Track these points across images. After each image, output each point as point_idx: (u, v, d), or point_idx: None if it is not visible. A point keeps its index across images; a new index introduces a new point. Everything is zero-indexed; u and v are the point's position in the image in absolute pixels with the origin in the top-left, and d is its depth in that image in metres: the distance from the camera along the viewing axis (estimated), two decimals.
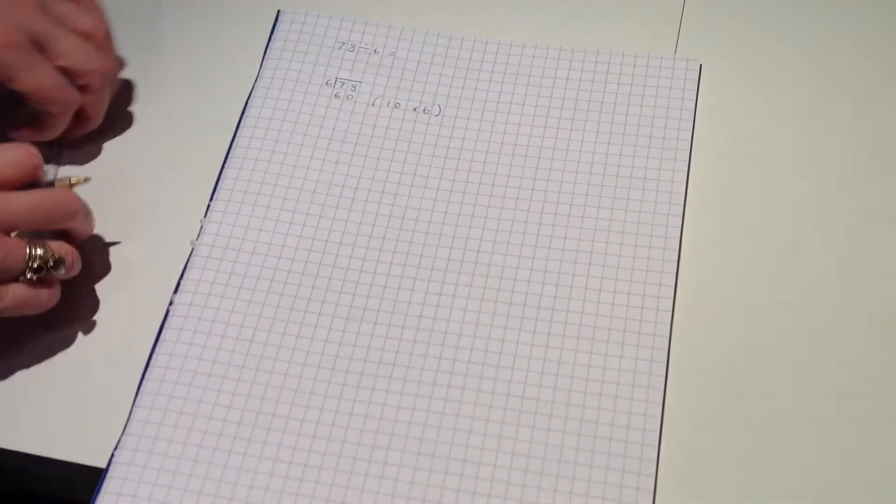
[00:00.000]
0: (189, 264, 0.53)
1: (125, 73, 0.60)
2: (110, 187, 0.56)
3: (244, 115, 0.58)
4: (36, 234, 0.49)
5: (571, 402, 0.48)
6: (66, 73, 0.53)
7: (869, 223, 0.53)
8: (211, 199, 0.55)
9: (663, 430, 0.47)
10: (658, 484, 0.46)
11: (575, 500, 0.46)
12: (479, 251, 0.53)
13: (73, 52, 0.53)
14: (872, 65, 0.59)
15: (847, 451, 0.47)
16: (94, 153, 0.57)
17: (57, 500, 0.49)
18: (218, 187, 0.55)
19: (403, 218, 0.54)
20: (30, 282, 0.47)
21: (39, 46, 0.52)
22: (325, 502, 0.46)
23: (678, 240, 0.53)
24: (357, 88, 0.59)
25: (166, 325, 0.51)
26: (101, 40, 0.55)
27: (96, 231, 0.53)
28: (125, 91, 0.59)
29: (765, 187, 0.55)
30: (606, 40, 0.60)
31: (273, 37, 0.61)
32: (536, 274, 0.52)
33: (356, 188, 0.55)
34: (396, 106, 0.58)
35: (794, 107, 0.57)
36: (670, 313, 0.50)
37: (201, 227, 0.54)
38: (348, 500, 0.46)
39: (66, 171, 0.57)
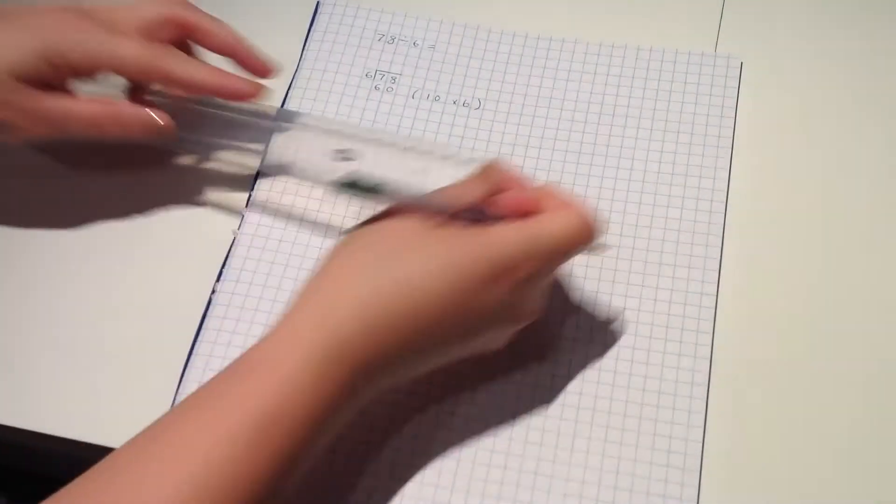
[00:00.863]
0: (231, 253, 0.53)
1: None
2: (152, 177, 0.56)
3: (284, 106, 0.58)
4: None
5: (615, 397, 0.48)
6: None
7: None
8: (252, 189, 0.55)
9: (707, 426, 0.47)
10: (703, 480, 0.46)
11: (619, 494, 0.46)
12: None
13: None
14: None
15: (892, 452, 0.47)
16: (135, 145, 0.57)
17: None
18: (259, 177, 0.55)
19: None
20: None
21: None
22: (364, 492, 0.46)
23: (721, 237, 0.53)
24: (397, 81, 0.59)
25: (209, 313, 0.51)
26: None
27: (140, 220, 0.54)
28: None
29: (807, 184, 0.55)
30: (647, 36, 0.60)
31: (312, 28, 0.61)
32: (578, 269, 0.52)
33: None
34: (436, 99, 0.58)
35: (835, 103, 0.57)
36: (713, 310, 0.50)
37: (243, 216, 0.54)
38: (391, 489, 0.46)
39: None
